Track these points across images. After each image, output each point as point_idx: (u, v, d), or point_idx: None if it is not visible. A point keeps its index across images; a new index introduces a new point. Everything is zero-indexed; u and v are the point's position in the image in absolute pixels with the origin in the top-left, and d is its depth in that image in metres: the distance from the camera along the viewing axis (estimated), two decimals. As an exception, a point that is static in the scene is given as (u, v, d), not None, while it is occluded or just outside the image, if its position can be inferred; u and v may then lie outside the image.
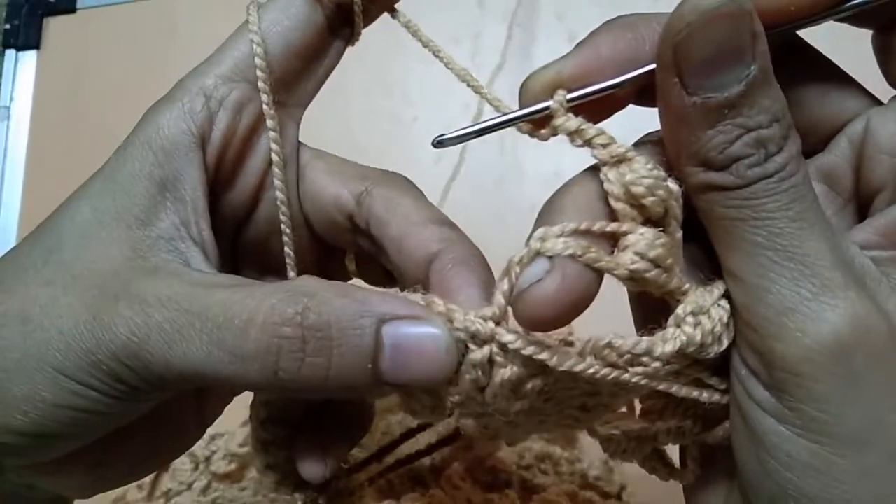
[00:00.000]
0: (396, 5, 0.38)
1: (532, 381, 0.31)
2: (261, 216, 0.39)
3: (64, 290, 0.32)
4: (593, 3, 0.91)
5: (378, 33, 0.39)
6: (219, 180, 0.37)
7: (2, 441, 0.31)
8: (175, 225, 0.34)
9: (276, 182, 0.37)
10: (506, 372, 0.31)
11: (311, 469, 0.39)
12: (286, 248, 0.38)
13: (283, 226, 0.38)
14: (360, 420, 0.43)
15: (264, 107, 0.36)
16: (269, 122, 0.37)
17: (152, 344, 0.30)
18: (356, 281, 0.43)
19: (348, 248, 0.42)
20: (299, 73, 0.38)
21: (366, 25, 0.38)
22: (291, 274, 0.39)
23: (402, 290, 0.39)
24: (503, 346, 0.30)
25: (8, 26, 1.04)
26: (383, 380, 0.30)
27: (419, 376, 0.30)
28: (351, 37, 0.39)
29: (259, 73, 0.36)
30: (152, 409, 0.34)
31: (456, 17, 0.94)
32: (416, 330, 0.30)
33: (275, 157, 0.37)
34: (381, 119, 0.92)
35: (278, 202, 0.38)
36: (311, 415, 0.41)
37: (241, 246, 0.40)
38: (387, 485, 0.61)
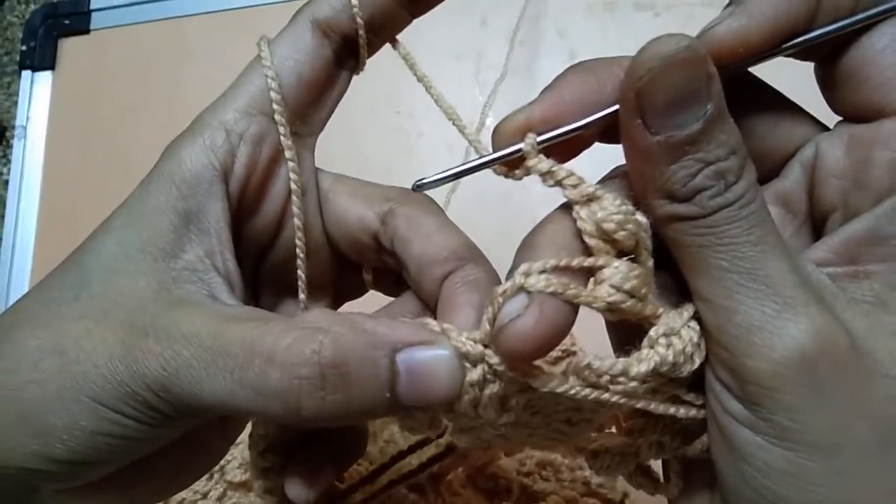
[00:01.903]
0: (398, 36, 0.40)
1: (517, 396, 0.33)
2: (284, 241, 0.40)
3: (96, 324, 0.33)
4: (593, 20, 0.93)
5: (386, 50, 0.41)
6: (242, 210, 0.38)
7: (42, 468, 0.32)
8: (199, 257, 0.35)
9: (294, 209, 0.39)
10: (494, 387, 0.32)
11: (296, 492, 0.41)
12: (300, 273, 0.40)
13: (298, 251, 0.39)
14: (352, 447, 0.45)
15: (282, 138, 0.38)
16: (288, 153, 0.38)
17: (182, 378, 0.31)
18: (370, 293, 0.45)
19: (369, 265, 0.44)
20: (311, 104, 0.39)
21: (369, 56, 0.40)
22: (302, 296, 0.40)
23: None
24: (492, 368, 0.32)
25: (24, 48, 1.06)
26: (401, 405, 0.32)
27: (434, 396, 0.32)
28: (356, 67, 0.40)
29: (275, 106, 0.37)
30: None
31: (459, 35, 0.95)
32: (427, 353, 0.32)
33: (293, 186, 0.38)
34: (388, 135, 0.94)
35: (296, 228, 0.39)
36: (304, 441, 0.43)
37: (263, 270, 0.42)
38: (383, 502, 0.62)
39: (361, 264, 0.44)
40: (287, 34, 0.38)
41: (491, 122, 0.34)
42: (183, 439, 0.36)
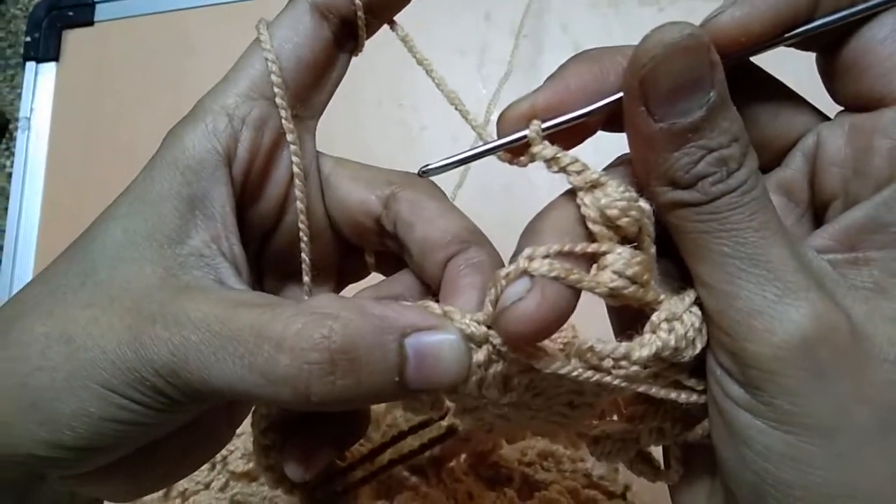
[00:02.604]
0: (396, 18, 0.40)
1: (520, 376, 0.34)
2: (286, 225, 0.41)
3: (103, 311, 0.33)
4: (598, 15, 0.94)
5: (389, 43, 0.41)
6: (245, 195, 0.38)
7: (51, 455, 0.33)
8: (206, 242, 0.35)
9: (297, 193, 0.39)
10: (497, 366, 0.33)
11: (293, 471, 0.41)
12: (304, 256, 0.40)
13: (301, 234, 0.39)
14: (353, 427, 0.45)
15: (284, 122, 0.38)
16: (290, 137, 0.38)
17: (191, 363, 0.31)
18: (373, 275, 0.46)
19: (371, 249, 0.44)
20: (311, 86, 0.39)
21: (368, 37, 0.40)
22: (306, 279, 0.40)
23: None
24: (496, 348, 0.32)
25: (28, 39, 1.07)
26: (409, 389, 0.32)
27: (442, 380, 0.32)
28: (355, 48, 0.40)
29: (276, 89, 0.37)
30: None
31: (463, 30, 0.95)
32: (435, 338, 0.32)
33: (296, 170, 0.39)
34: (391, 128, 0.94)
35: (299, 212, 0.39)
36: (304, 421, 0.43)
37: (266, 254, 0.42)
38: (384, 482, 0.62)
39: (363, 248, 0.44)
40: (286, 17, 0.38)
41: (496, 118, 0.35)
42: (189, 425, 0.36)
